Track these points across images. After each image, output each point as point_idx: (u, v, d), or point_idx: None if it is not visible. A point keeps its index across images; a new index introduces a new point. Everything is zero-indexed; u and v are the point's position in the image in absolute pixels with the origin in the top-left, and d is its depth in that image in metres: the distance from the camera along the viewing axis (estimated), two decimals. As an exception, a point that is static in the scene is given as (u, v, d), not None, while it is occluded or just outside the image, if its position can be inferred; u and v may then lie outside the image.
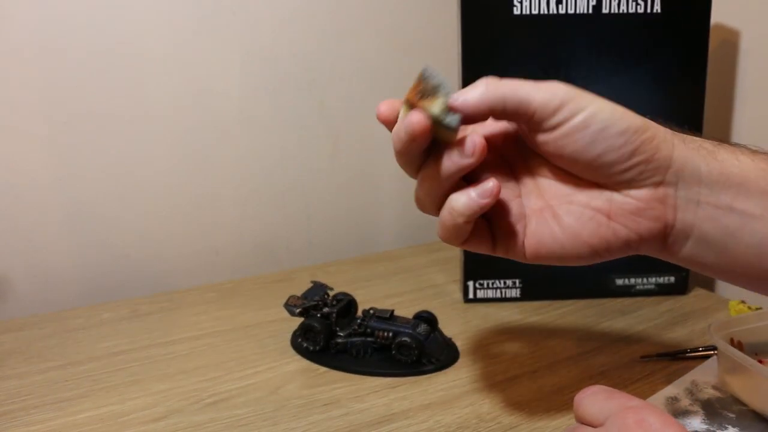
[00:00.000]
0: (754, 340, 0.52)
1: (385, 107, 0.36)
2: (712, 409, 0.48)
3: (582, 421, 0.33)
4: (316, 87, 0.85)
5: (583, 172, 0.36)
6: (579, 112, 0.33)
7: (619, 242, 0.36)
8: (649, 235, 0.35)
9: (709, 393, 0.50)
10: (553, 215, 0.37)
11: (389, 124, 0.36)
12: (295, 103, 0.84)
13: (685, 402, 0.49)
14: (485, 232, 0.38)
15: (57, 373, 0.56)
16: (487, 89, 0.34)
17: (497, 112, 0.35)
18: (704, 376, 0.52)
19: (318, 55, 0.84)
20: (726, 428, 0.45)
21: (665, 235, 0.36)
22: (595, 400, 0.32)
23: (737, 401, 0.48)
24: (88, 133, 0.73)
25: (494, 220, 0.38)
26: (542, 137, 0.35)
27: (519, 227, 0.37)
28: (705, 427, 0.45)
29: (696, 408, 0.48)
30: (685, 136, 0.36)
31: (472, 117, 0.34)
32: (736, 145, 0.36)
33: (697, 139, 0.36)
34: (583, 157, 0.34)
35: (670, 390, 0.50)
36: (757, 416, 0.46)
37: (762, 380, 0.45)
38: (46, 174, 0.72)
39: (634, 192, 0.35)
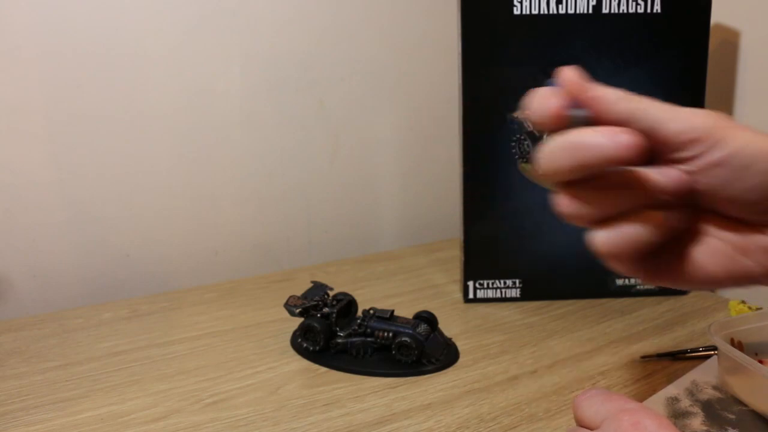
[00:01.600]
0: (755, 340, 0.52)
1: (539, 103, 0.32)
2: (712, 410, 0.48)
3: (580, 424, 0.33)
4: (316, 87, 0.85)
5: (713, 205, 0.32)
6: (717, 148, 0.30)
7: (744, 276, 0.33)
8: None
9: (709, 393, 0.50)
10: (680, 242, 0.34)
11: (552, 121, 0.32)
12: (295, 103, 0.84)
13: (685, 403, 0.49)
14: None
15: (57, 374, 0.56)
16: (617, 96, 0.31)
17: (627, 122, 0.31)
18: (704, 376, 0.52)
19: (318, 55, 0.84)
20: (726, 429, 0.45)
21: None
22: (592, 402, 0.33)
23: (737, 402, 0.48)
24: (89, 133, 0.73)
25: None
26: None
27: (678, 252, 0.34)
28: (705, 428, 0.45)
29: (696, 409, 0.48)
30: None
31: (598, 117, 0.31)
32: None
33: None
34: (717, 194, 0.31)
35: (670, 390, 0.50)
36: (757, 417, 0.46)
37: (762, 380, 0.45)
38: (46, 174, 0.72)
39: None
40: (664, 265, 0.33)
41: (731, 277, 0.33)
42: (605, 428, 0.30)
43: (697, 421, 0.46)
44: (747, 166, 0.30)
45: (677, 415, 0.47)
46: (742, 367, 0.47)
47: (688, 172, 0.31)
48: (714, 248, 0.33)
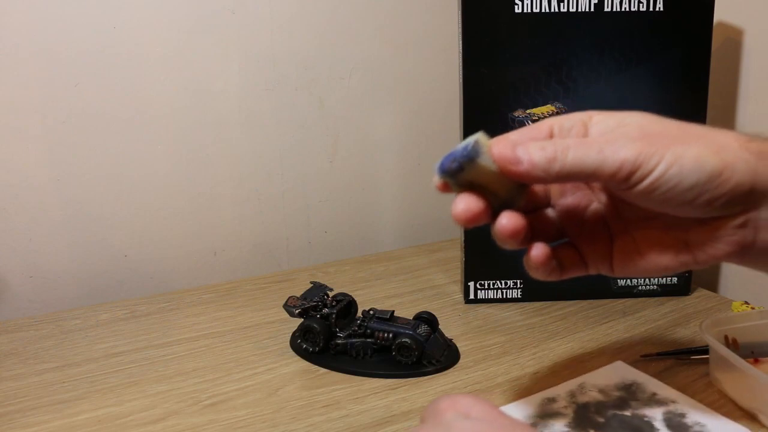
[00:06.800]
0: (752, 339, 0.51)
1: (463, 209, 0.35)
2: (583, 413, 0.46)
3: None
4: (316, 86, 0.84)
5: (662, 211, 0.35)
6: (648, 174, 0.32)
7: (696, 263, 0.36)
8: (726, 256, 0.35)
9: (591, 396, 0.49)
10: (634, 239, 0.38)
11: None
12: (295, 103, 0.84)
13: (561, 403, 0.48)
14: (577, 261, 0.39)
15: (54, 375, 0.55)
16: (546, 160, 0.33)
17: (562, 180, 0.34)
18: (597, 379, 0.51)
19: (317, 54, 0.83)
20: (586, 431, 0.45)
21: (744, 254, 0.35)
22: (430, 403, 0.33)
23: (616, 406, 0.47)
24: (86, 133, 0.73)
25: (582, 247, 0.40)
26: (615, 192, 0.36)
27: (605, 249, 0.39)
28: (566, 430, 0.45)
29: (568, 411, 0.47)
30: None
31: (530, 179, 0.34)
32: None
33: None
34: (659, 208, 0.34)
35: (552, 391, 0.50)
36: (626, 422, 0.45)
37: (749, 379, 0.45)
38: (44, 174, 0.71)
39: (714, 222, 0.35)
40: (621, 261, 0.38)
41: (686, 265, 0.37)
42: (428, 418, 0.32)
43: (560, 423, 0.45)
44: (675, 186, 0.32)
45: (544, 415, 0.47)
46: (731, 365, 0.46)
47: (628, 196, 0.35)
48: (662, 242, 0.37)
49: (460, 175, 0.34)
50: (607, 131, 0.35)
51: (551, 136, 0.36)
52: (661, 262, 0.37)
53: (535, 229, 0.39)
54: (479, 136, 0.33)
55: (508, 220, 0.34)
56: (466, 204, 0.34)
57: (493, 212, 0.35)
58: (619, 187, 0.34)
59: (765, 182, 0.33)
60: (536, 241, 0.37)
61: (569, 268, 0.39)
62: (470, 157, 0.33)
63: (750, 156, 0.33)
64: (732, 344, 0.51)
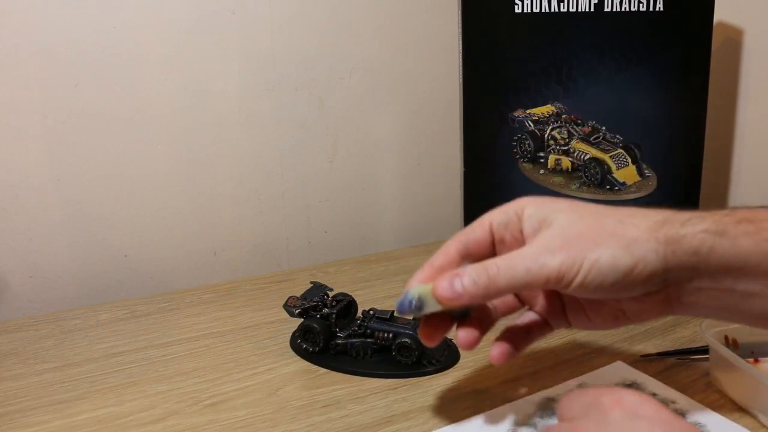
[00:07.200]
0: (751, 339, 0.51)
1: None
2: None
3: (563, 421, 0.34)
4: (316, 86, 0.84)
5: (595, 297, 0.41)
6: (573, 280, 0.37)
7: (632, 321, 0.43)
8: (656, 317, 0.42)
9: None
10: (582, 308, 0.44)
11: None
12: (295, 103, 0.84)
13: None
14: (541, 324, 0.46)
15: (54, 375, 0.55)
16: (482, 286, 0.38)
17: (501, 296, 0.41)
18: (597, 379, 0.51)
19: (317, 54, 0.84)
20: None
21: (671, 312, 0.41)
22: (570, 400, 0.34)
23: None
24: (86, 132, 0.73)
25: (541, 314, 0.46)
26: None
27: (562, 316, 0.45)
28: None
29: None
30: (684, 234, 0.36)
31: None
32: (741, 223, 0.36)
33: (699, 231, 0.36)
34: (587, 299, 0.42)
35: (552, 391, 0.50)
36: None
37: (749, 379, 0.45)
38: (44, 174, 0.72)
39: (640, 297, 0.40)
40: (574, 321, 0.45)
41: (624, 323, 0.43)
42: (587, 414, 0.32)
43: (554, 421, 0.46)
44: (597, 287, 0.37)
45: (544, 415, 0.47)
46: (731, 365, 0.46)
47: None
48: (601, 311, 0.43)
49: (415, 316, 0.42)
50: (536, 228, 0.40)
51: (492, 234, 0.42)
52: (606, 325, 0.44)
53: (498, 308, 0.46)
54: (420, 292, 0.39)
55: (464, 336, 0.42)
56: (428, 336, 0.43)
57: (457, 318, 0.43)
58: (551, 289, 0.40)
59: (675, 265, 0.37)
60: (503, 337, 0.44)
61: (536, 335, 0.45)
62: (417, 311, 0.40)
63: (658, 245, 0.37)
64: (732, 344, 0.51)
